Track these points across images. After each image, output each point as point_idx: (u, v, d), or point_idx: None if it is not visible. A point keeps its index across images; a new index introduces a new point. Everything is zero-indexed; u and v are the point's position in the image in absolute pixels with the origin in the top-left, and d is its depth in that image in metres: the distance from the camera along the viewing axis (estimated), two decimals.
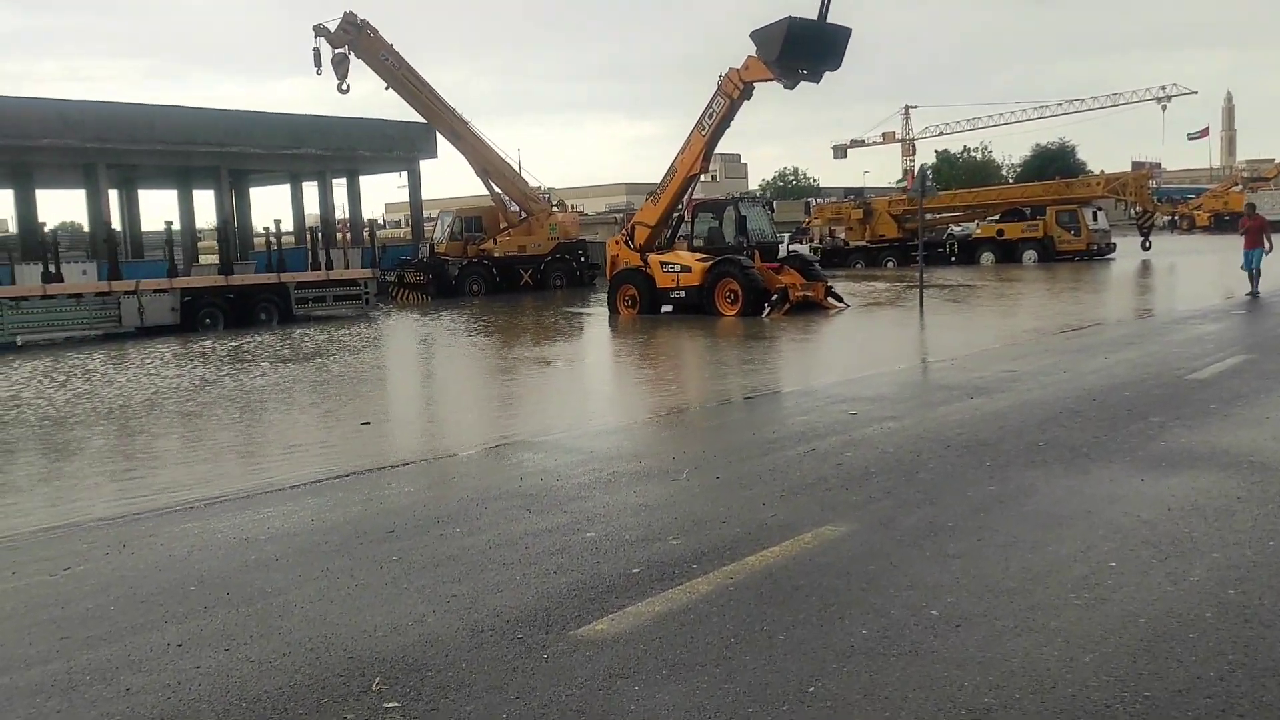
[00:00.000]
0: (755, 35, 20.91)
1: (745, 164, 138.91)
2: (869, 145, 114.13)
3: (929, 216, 47.25)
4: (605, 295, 24.77)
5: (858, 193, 68.42)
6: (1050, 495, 6.41)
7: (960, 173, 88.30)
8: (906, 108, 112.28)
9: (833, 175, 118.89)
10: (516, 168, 35.81)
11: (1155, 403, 9.40)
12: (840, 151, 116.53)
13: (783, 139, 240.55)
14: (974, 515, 6.02)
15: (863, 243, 45.39)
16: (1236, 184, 75.79)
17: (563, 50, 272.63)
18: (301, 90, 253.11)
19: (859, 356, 15.39)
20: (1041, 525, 5.76)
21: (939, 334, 18.09)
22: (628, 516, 6.34)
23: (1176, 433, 8.05)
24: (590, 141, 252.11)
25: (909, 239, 45.51)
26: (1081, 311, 20.53)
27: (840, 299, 23.11)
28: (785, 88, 21.36)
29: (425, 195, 46.78)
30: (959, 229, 47.06)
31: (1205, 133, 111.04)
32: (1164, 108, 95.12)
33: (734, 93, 21.86)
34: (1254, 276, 20.05)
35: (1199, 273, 31.15)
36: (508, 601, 4.85)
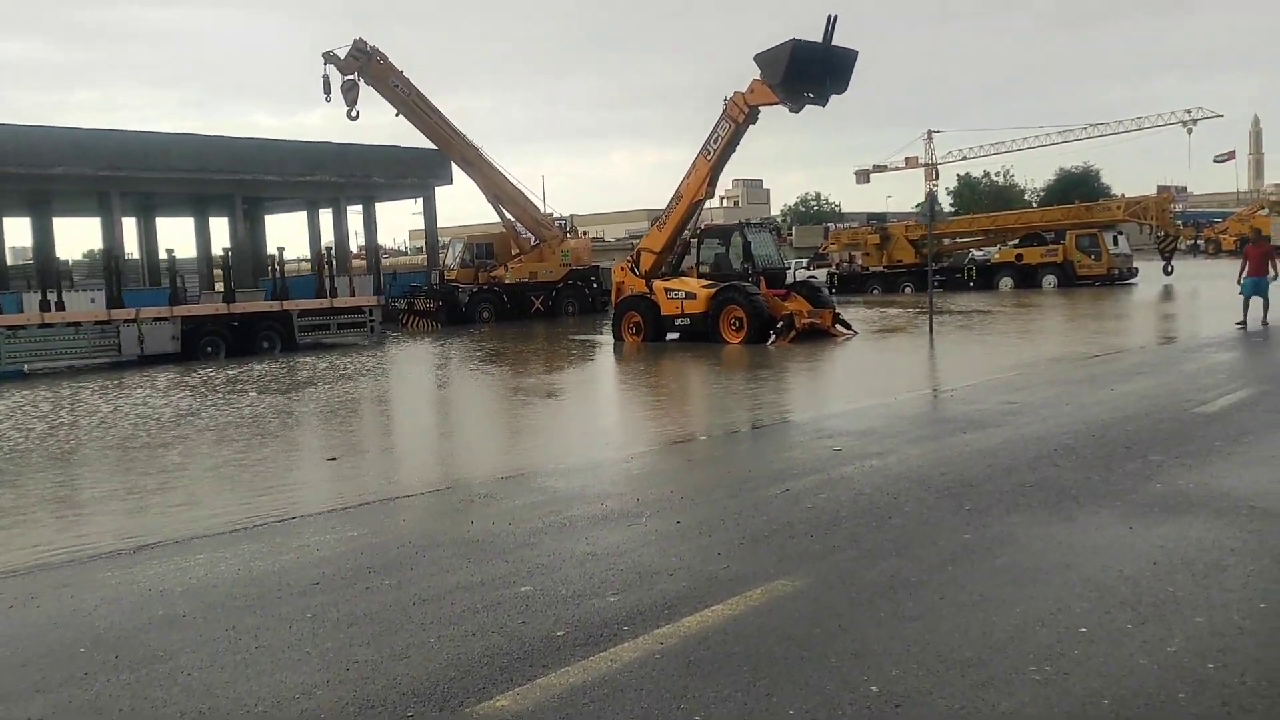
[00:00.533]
0: (760, 58, 20.57)
1: (768, 190, 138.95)
2: (891, 170, 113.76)
3: (947, 241, 46.77)
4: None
5: (880, 218, 67.82)
6: (1029, 545, 5.91)
7: (982, 197, 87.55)
8: (929, 132, 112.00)
9: (856, 200, 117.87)
10: (529, 194, 35.62)
11: (1157, 439, 8.86)
12: (863, 176, 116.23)
13: (806, 164, 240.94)
14: (942, 568, 5.53)
15: (880, 268, 44.85)
16: (1263, 208, 74.63)
17: (593, 78, 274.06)
18: (331, 121, 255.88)
19: (857, 387, 14.90)
20: (1013, 581, 5.27)
21: (945, 363, 17.58)
22: (571, 568, 5.90)
23: (1175, 474, 7.51)
24: (618, 168, 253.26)
25: (926, 264, 45.02)
26: (1094, 339, 19.94)
27: (848, 326, 22.61)
28: (791, 111, 20.97)
29: (447, 222, 46.85)
30: (979, 254, 46.45)
31: (1232, 156, 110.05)
32: (1190, 131, 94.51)
33: (739, 117, 21.51)
34: (1257, 304, 18.92)
35: (1220, 298, 30.36)
36: (411, 670, 4.42)
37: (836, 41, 20.29)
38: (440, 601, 5.39)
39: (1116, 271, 39.66)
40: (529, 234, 36.68)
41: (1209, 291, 31.17)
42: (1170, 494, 6.92)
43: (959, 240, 46.70)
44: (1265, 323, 18.58)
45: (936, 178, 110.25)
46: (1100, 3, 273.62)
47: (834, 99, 21.20)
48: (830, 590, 5.28)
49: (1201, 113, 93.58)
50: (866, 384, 14.93)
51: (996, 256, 43.72)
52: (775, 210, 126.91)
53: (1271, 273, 18.87)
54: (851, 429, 10.55)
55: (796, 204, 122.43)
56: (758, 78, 20.81)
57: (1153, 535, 5.96)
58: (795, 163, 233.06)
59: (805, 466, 8.63)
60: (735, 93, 21.48)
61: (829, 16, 20.18)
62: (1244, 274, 19.11)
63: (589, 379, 18.28)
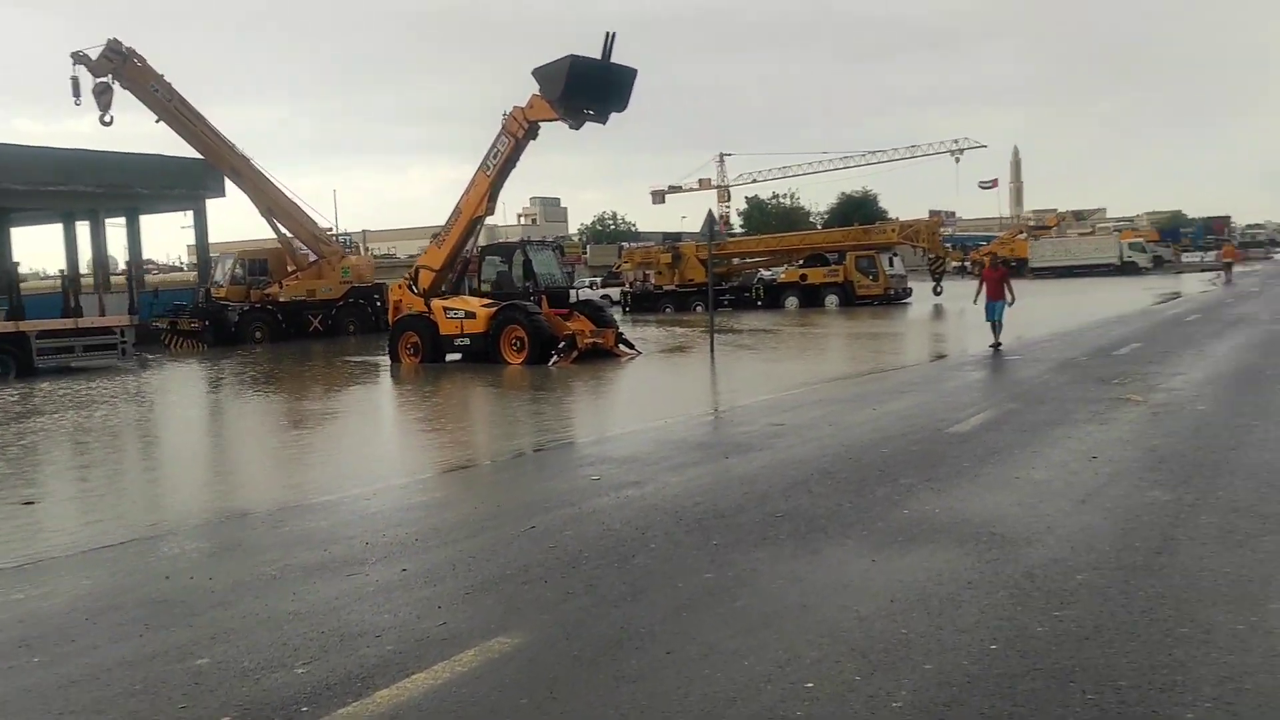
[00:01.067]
0: (538, 73, 20.14)
1: (565, 208, 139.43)
2: (686, 191, 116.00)
3: (736, 261, 47.82)
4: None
5: (675, 237, 68.89)
6: (770, 585, 5.58)
7: (771, 218, 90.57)
8: (721, 155, 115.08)
9: (652, 220, 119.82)
10: (306, 209, 33.93)
11: (910, 461, 8.85)
12: (659, 197, 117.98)
13: (606, 184, 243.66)
14: (676, 615, 5.11)
15: (673, 287, 45.31)
16: (1022, 231, 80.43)
17: (388, 93, 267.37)
18: (106, 129, 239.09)
19: (631, 410, 14.60)
20: (747, 627, 4.89)
21: (723, 383, 17.56)
22: (264, 632, 5.13)
23: (923, 498, 7.43)
24: (416, 185, 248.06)
25: (716, 283, 45.80)
26: (866, 357, 20.49)
27: (631, 346, 22.40)
28: (571, 128, 20.62)
29: (228, 237, 44.04)
30: (768, 274, 47.72)
31: (995, 183, 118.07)
32: (958, 160, 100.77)
33: (518, 132, 21.00)
34: (995, 328, 19.04)
35: (981, 318, 32.16)
36: None
37: (639, 64, 20.26)
38: (92, 683, 4.53)
39: (892, 291, 41.54)
40: (307, 250, 34.98)
41: (974, 311, 32.91)
42: (916, 520, 6.79)
43: (748, 260, 47.87)
44: (998, 345, 18.71)
45: (728, 199, 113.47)
46: (880, 40, 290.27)
47: (615, 116, 21.02)
48: (552, 648, 4.75)
49: (968, 143, 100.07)
50: (641, 407, 14.64)
51: (783, 277, 45.04)
52: (573, 228, 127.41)
53: (1008, 297, 19.21)
54: (616, 455, 10.15)
55: (594, 223, 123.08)
56: (537, 93, 20.37)
57: (894, 568, 5.75)
58: (595, 182, 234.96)
59: (558, 499, 8.12)
60: (515, 108, 20.97)
61: (607, 34, 20.01)
62: (980, 296, 19.50)
63: (352, 404, 17.19)
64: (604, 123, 20.94)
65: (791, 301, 42.12)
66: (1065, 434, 9.84)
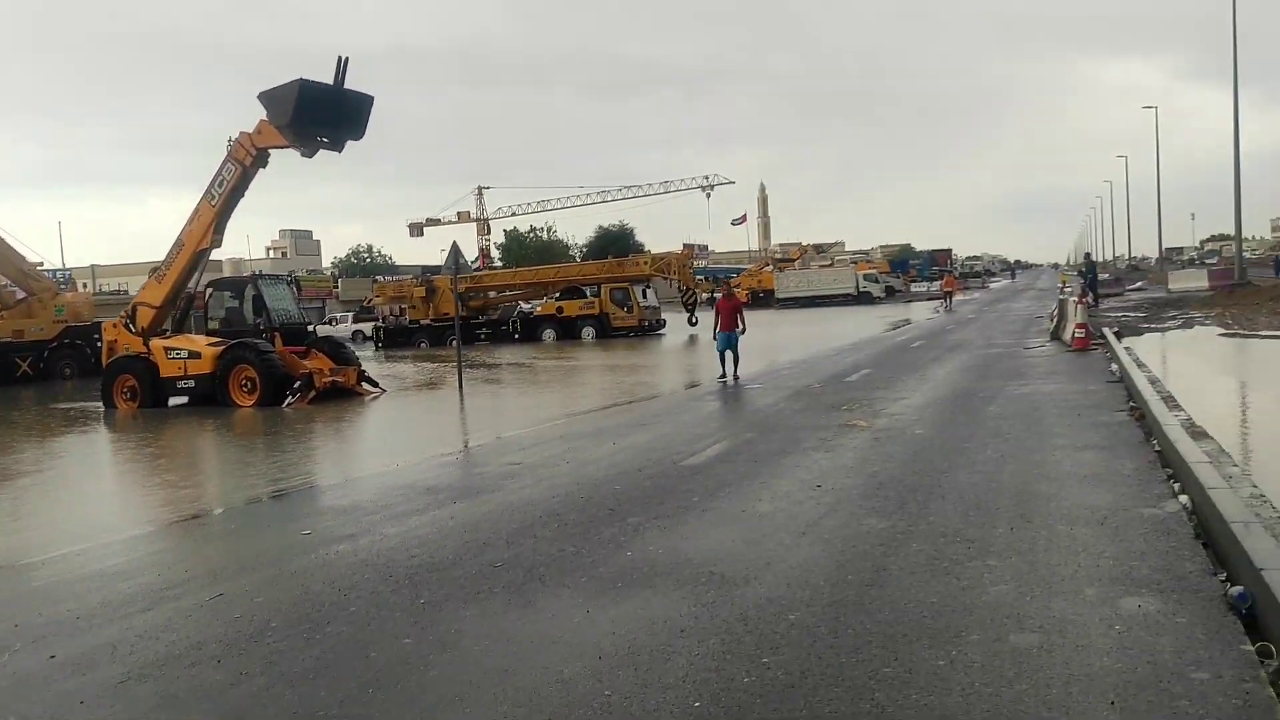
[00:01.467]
0: (264, 97, 18.93)
1: (318, 241, 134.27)
2: (445, 224, 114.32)
3: (494, 294, 47.28)
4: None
5: (434, 270, 67.47)
6: (474, 647, 5.11)
7: (530, 251, 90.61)
8: (480, 188, 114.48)
9: (411, 254, 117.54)
10: (11, 242, 30.69)
11: (641, 497, 8.62)
12: (417, 230, 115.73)
13: (364, 216, 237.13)
14: (361, 695, 4.55)
15: (428, 321, 44.19)
16: (768, 264, 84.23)
17: (125, 120, 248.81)
18: None
19: (364, 453, 13.81)
20: (439, 701, 4.41)
21: (469, 420, 17.00)
22: None
23: (649, 537, 7.18)
24: (154, 216, 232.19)
25: (473, 317, 45.06)
26: (614, 389, 20.44)
27: (375, 384, 21.40)
28: (303, 155, 19.47)
29: None
30: (528, 306, 47.47)
31: (744, 219, 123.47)
32: (708, 195, 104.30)
33: (245, 159, 19.65)
34: (724, 359, 19.10)
35: (744, 344, 33.10)
36: None
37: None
38: None
39: (647, 323, 42.20)
40: (14, 287, 31.68)
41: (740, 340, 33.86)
42: (639, 563, 6.51)
43: (506, 294, 47.47)
44: (736, 376, 18.92)
45: (488, 232, 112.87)
46: (630, 79, 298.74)
47: (351, 144, 20.08)
48: None
49: (718, 179, 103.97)
50: (376, 449, 13.86)
51: (539, 310, 44.91)
52: (326, 261, 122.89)
53: (740, 327, 19.21)
54: (336, 505, 9.42)
55: (348, 256, 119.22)
56: (264, 118, 19.18)
57: (609, 618, 5.41)
58: (352, 214, 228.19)
59: (259, 559, 7.34)
60: (242, 133, 19.65)
61: (339, 58, 19.09)
62: (717, 329, 19.48)
63: (43, 460, 15.38)
64: (339, 150, 19.95)
65: (549, 334, 42.02)
66: (794, 463, 9.93)
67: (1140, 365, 16.07)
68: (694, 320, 42.60)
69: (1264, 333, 23.03)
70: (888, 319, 42.83)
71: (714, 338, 19.88)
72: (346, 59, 19.23)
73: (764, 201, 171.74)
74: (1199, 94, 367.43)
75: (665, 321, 43.34)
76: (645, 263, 44.68)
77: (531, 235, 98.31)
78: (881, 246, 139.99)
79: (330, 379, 20.21)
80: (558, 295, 43.97)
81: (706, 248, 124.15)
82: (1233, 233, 49.46)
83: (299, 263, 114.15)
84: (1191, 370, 17.60)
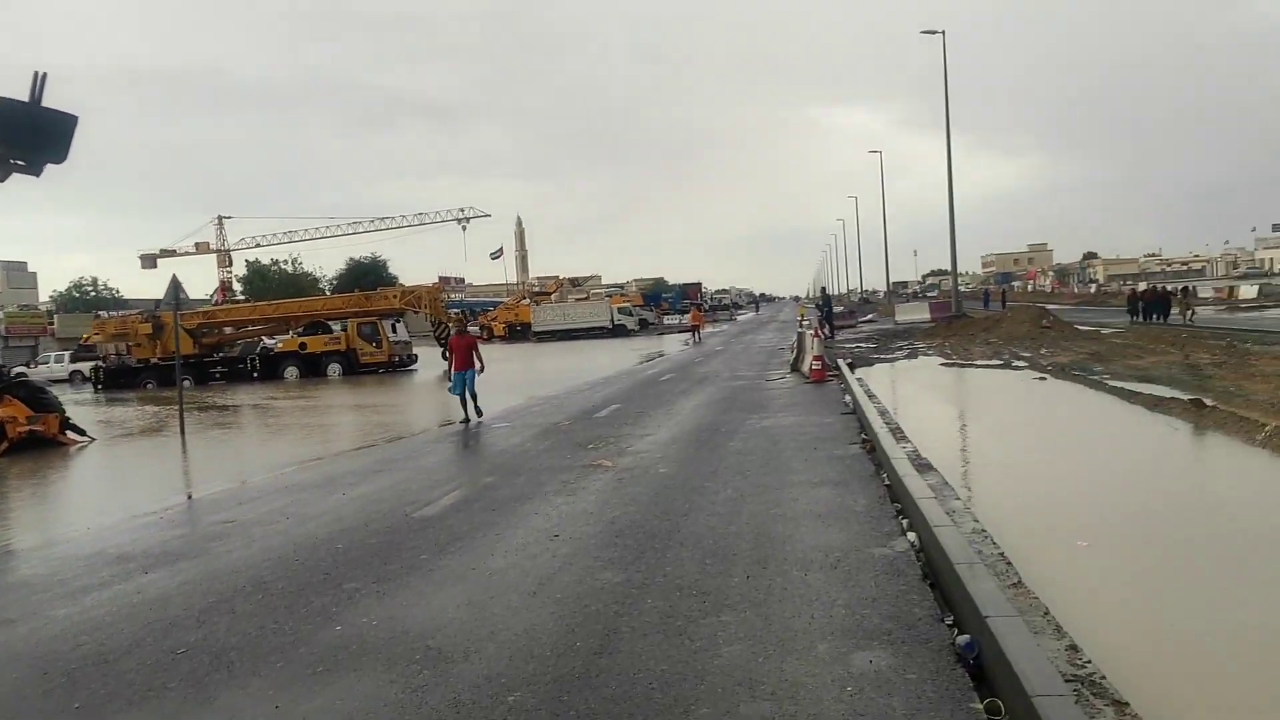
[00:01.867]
0: None
1: (34, 273, 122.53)
2: (182, 255, 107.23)
3: (230, 330, 44.38)
4: None
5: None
6: None
7: (274, 284, 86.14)
8: (220, 218, 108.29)
9: (144, 287, 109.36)
10: None
11: (363, 558, 7.87)
12: (149, 261, 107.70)
13: (92, 247, 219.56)
14: None
15: (155, 359, 40.83)
16: (525, 298, 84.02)
17: None
18: None
19: (48, 517, 12.21)
20: None
21: (188, 470, 15.48)
22: None
23: (365, 606, 6.48)
24: None
25: (206, 355, 42.08)
26: (356, 431, 19.34)
27: (83, 432, 19.28)
28: None
29: None
30: (272, 341, 44.84)
31: (501, 252, 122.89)
32: (464, 228, 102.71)
33: None
34: (464, 401, 18.08)
35: (498, 380, 32.39)
36: None
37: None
38: None
39: (397, 358, 40.76)
40: None
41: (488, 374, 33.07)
42: (348, 640, 5.80)
43: (245, 329, 44.68)
44: (479, 415, 18.15)
45: (230, 264, 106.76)
46: (384, 110, 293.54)
47: (53, 168, 18.05)
48: None
49: (474, 212, 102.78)
50: (68, 509, 12.31)
51: (281, 346, 42.51)
52: (44, 296, 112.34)
53: (478, 365, 18.29)
54: (2, 583, 8.09)
55: (69, 289, 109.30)
56: None
57: (300, 714, 4.70)
58: (79, 245, 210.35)
59: None
60: None
61: (35, 74, 17.12)
62: (451, 368, 18.51)
63: None
64: (37, 174, 17.80)
65: (291, 372, 39.78)
66: (534, 509, 9.45)
67: (871, 396, 16.73)
68: (447, 355, 41.57)
69: (978, 362, 24.80)
70: (641, 352, 43.38)
71: (448, 377, 18.94)
72: (44, 74, 17.08)
73: (521, 235, 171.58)
74: (919, 140, 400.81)
75: (417, 357, 42.06)
76: (395, 296, 43.27)
77: (276, 268, 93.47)
78: (636, 280, 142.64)
79: (27, 428, 18.03)
80: (301, 330, 41.83)
81: (464, 281, 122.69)
82: (949, 268, 53.56)
83: (11, 297, 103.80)
84: (917, 400, 18.52)
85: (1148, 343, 25.98)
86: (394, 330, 41.54)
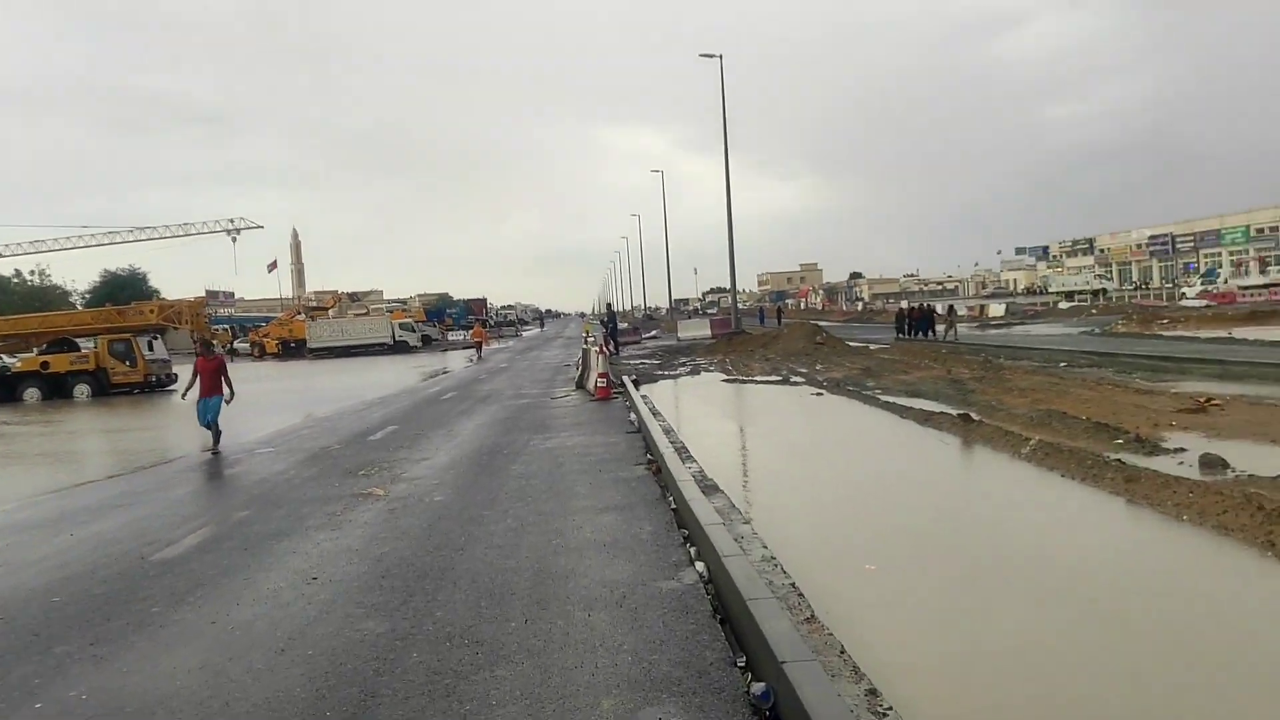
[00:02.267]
0: None
1: None
2: None
3: None
4: None
5: None
6: None
7: (15, 298, 78.56)
8: None
9: None
10: None
11: (83, 613, 6.80)
12: None
13: None
14: None
15: None
16: (300, 313, 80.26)
17: None
18: None
19: None
20: None
21: None
22: None
23: (75, 675, 5.50)
24: None
25: None
26: (100, 460, 17.47)
27: None
28: None
29: None
30: (11, 360, 40.57)
31: (275, 265, 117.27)
32: (235, 239, 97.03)
33: None
34: (213, 430, 16.06)
35: (265, 400, 30.31)
36: None
37: None
38: None
39: (154, 378, 37.77)
40: None
41: (262, 396, 30.93)
42: None
43: None
44: (217, 450, 15.90)
45: None
46: (143, 113, 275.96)
47: None
48: None
49: (244, 223, 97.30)
50: None
51: (20, 365, 38.54)
52: None
53: (227, 392, 16.32)
54: None
55: None
56: None
57: None
58: None
59: None
60: None
61: None
62: (193, 392, 16.34)
63: None
64: None
65: (32, 394, 36.06)
66: (292, 548, 8.54)
67: (656, 414, 16.56)
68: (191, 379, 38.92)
69: (758, 378, 25.25)
70: (423, 369, 42.06)
71: (182, 396, 17.05)
72: None
73: (297, 247, 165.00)
74: (698, 162, 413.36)
75: (177, 376, 39.11)
76: (151, 311, 40.17)
77: (17, 280, 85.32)
78: (420, 295, 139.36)
79: None
80: (44, 348, 38.08)
81: (234, 295, 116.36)
82: (728, 286, 54.95)
83: None
84: (701, 417, 18.50)
85: (913, 358, 27.24)
86: (150, 348, 38.49)
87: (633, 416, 16.94)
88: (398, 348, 65.32)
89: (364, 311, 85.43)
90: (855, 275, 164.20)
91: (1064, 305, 71.01)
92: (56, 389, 36.01)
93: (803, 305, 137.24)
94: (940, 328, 42.09)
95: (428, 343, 71.26)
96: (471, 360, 46.58)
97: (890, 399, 17.35)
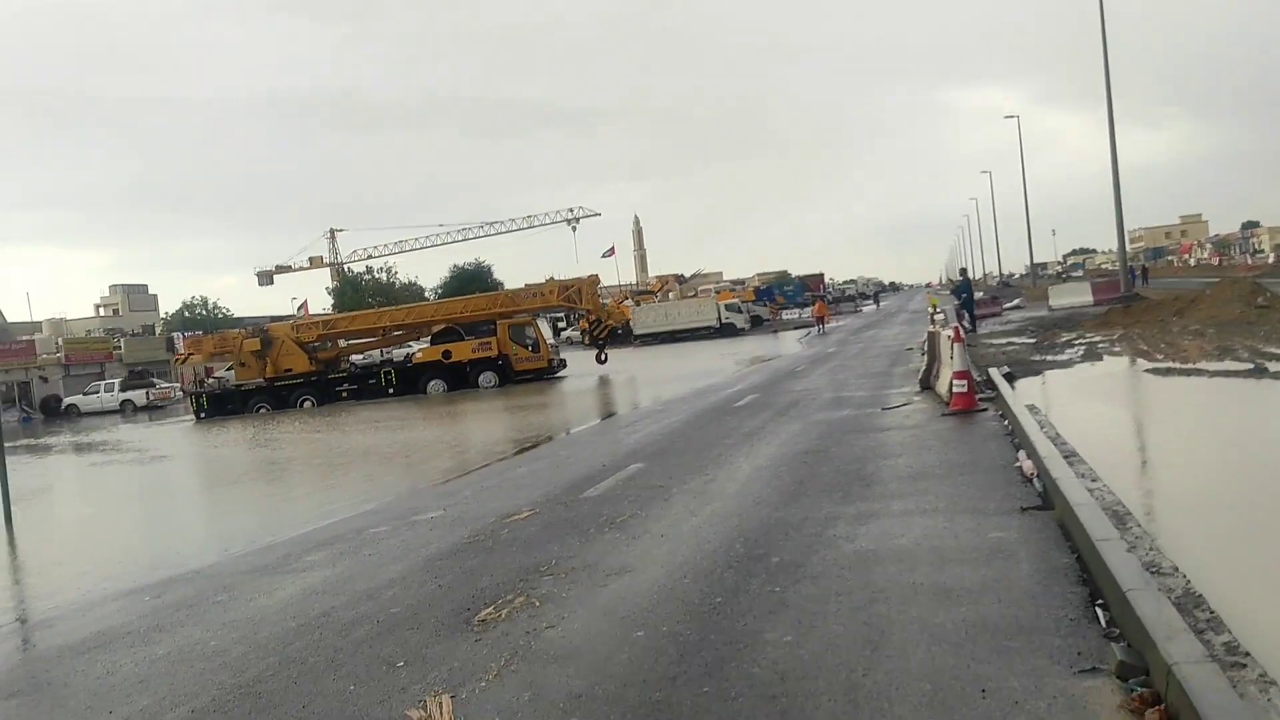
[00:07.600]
0: None
1: (155, 295, 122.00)
2: (296, 270, 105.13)
3: (344, 343, 38.46)
4: None
5: (281, 320, 58.33)
6: None
7: (367, 295, 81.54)
8: (332, 231, 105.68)
9: (260, 304, 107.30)
10: None
11: None
12: (265, 278, 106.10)
13: (212, 268, 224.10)
14: None
15: (260, 380, 35.71)
16: (627, 298, 77.49)
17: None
18: None
19: None
20: None
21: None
22: None
23: None
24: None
25: (326, 370, 36.39)
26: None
27: None
28: None
29: None
30: (412, 349, 39.76)
31: (613, 251, 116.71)
32: (574, 229, 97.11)
33: None
34: None
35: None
36: None
37: None
38: None
39: (555, 362, 35.20)
40: None
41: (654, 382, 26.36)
42: None
43: (355, 341, 39.17)
44: None
45: (341, 277, 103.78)
46: (513, 120, 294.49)
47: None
48: None
49: (583, 211, 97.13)
50: None
51: (420, 356, 36.79)
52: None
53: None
54: None
55: (180, 309, 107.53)
56: None
57: None
58: (207, 266, 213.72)
59: None
60: None
61: None
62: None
63: None
64: None
65: (436, 385, 34.21)
66: None
67: (1071, 457, 9.01)
68: (603, 358, 35.47)
69: (1204, 365, 16.28)
70: (741, 356, 36.22)
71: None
72: None
73: (639, 234, 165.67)
74: (1055, 118, 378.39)
75: (565, 362, 36.35)
76: (551, 291, 36.98)
77: (369, 278, 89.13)
78: (759, 274, 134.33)
79: None
80: (431, 340, 36.14)
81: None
82: (1099, 246, 44.61)
83: (132, 320, 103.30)
84: (1162, 463, 10.34)
85: None
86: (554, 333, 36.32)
87: (1022, 458, 9.55)
88: (724, 330, 60.13)
89: (691, 294, 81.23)
90: (1249, 225, 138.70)
91: None
92: (458, 379, 33.96)
93: (1191, 262, 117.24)
94: None
95: (757, 324, 65.60)
96: (809, 334, 41.47)
97: None
